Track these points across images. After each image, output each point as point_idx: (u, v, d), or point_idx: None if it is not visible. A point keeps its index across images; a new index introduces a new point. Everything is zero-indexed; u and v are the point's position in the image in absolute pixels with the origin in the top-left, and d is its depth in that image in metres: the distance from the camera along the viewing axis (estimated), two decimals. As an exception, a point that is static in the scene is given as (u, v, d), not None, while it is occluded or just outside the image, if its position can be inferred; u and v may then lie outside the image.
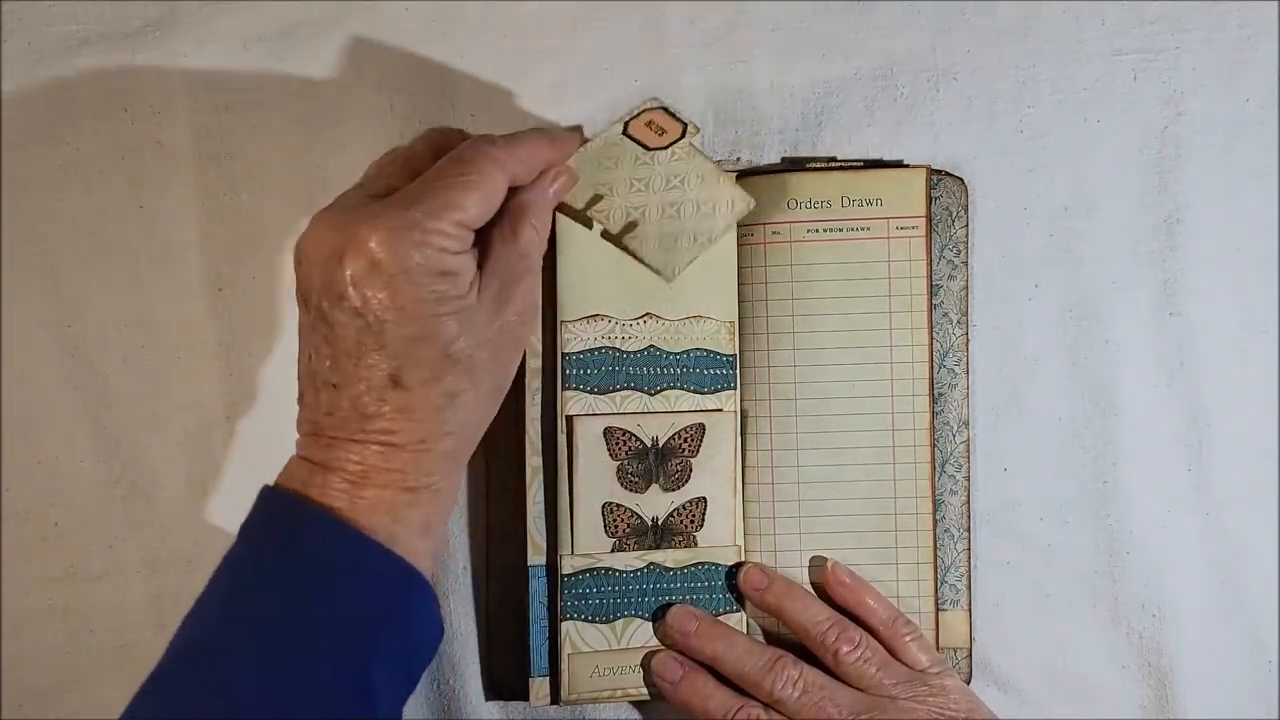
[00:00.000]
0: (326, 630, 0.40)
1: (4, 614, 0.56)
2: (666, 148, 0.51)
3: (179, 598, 0.56)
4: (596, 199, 0.51)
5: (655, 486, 0.54)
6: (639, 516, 0.54)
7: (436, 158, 0.45)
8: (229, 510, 0.56)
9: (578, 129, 0.52)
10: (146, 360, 0.56)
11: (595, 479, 0.53)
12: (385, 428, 0.42)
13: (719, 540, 0.54)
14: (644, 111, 0.51)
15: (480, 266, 0.44)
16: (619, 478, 0.53)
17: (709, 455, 0.54)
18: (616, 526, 0.54)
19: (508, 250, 0.45)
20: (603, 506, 0.53)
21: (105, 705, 0.56)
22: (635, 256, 0.52)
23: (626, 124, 0.51)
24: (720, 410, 0.54)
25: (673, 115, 0.51)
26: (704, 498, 0.54)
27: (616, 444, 0.53)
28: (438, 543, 0.44)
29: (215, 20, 0.56)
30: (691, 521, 0.54)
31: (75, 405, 0.56)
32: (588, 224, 0.51)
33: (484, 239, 0.45)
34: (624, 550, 0.54)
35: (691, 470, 0.54)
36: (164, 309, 0.56)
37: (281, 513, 0.43)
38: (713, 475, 0.54)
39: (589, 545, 0.54)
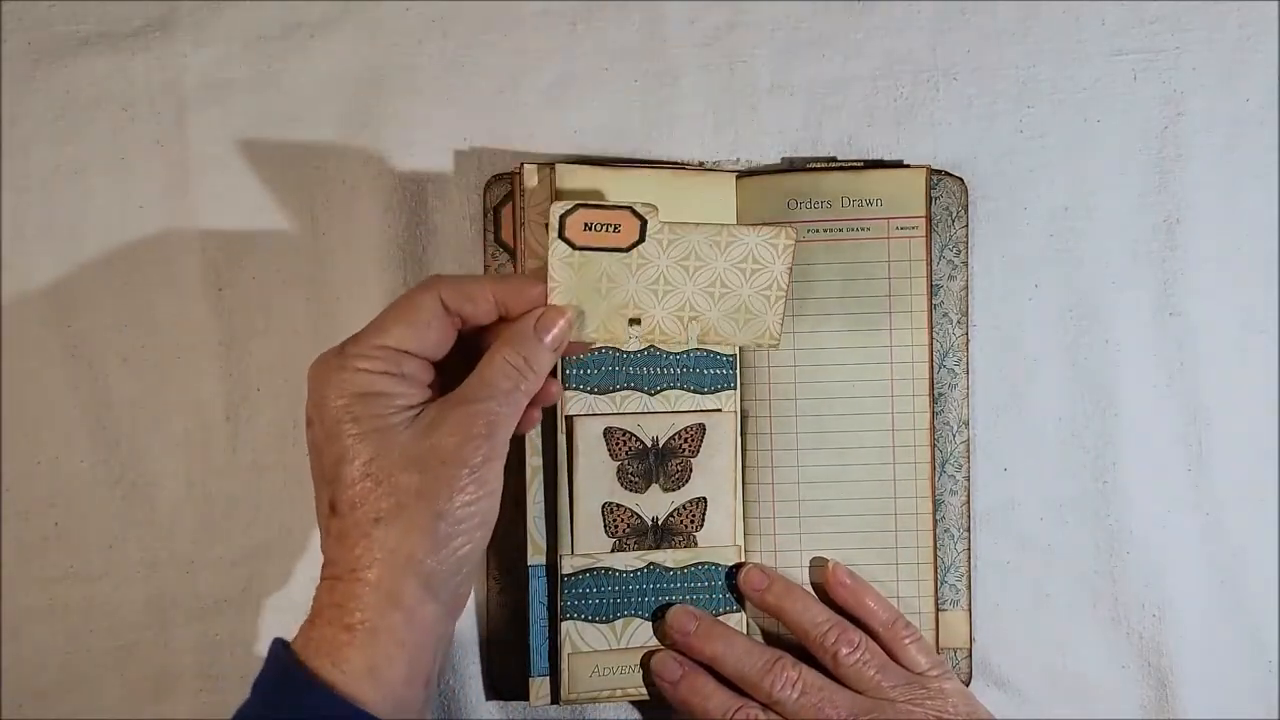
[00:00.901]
0: None
1: (4, 614, 0.56)
2: (643, 239, 0.46)
3: (179, 598, 0.56)
4: (635, 322, 0.47)
5: (655, 486, 0.54)
6: (639, 516, 0.54)
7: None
8: (229, 510, 0.56)
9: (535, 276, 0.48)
10: (146, 360, 0.56)
11: (595, 479, 0.53)
12: (329, 558, 0.43)
13: (719, 540, 0.54)
14: (563, 218, 0.46)
15: (431, 399, 0.44)
16: (619, 478, 0.53)
17: (709, 455, 0.54)
18: (617, 526, 0.54)
19: (473, 376, 0.44)
20: (603, 506, 0.53)
21: (105, 705, 0.56)
22: (728, 346, 0.53)
23: (562, 237, 0.46)
24: (720, 410, 0.54)
25: (596, 206, 0.46)
26: (704, 498, 0.54)
27: (616, 444, 0.53)
28: (404, 696, 0.42)
29: (215, 20, 0.56)
30: (691, 521, 0.54)
31: (75, 405, 0.56)
32: (670, 346, 0.52)
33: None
34: (624, 550, 0.54)
35: (692, 470, 0.54)
36: (164, 309, 0.56)
37: (273, 660, 0.43)
38: (713, 475, 0.54)
39: (589, 545, 0.54)
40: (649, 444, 0.54)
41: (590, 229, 0.46)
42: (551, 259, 0.46)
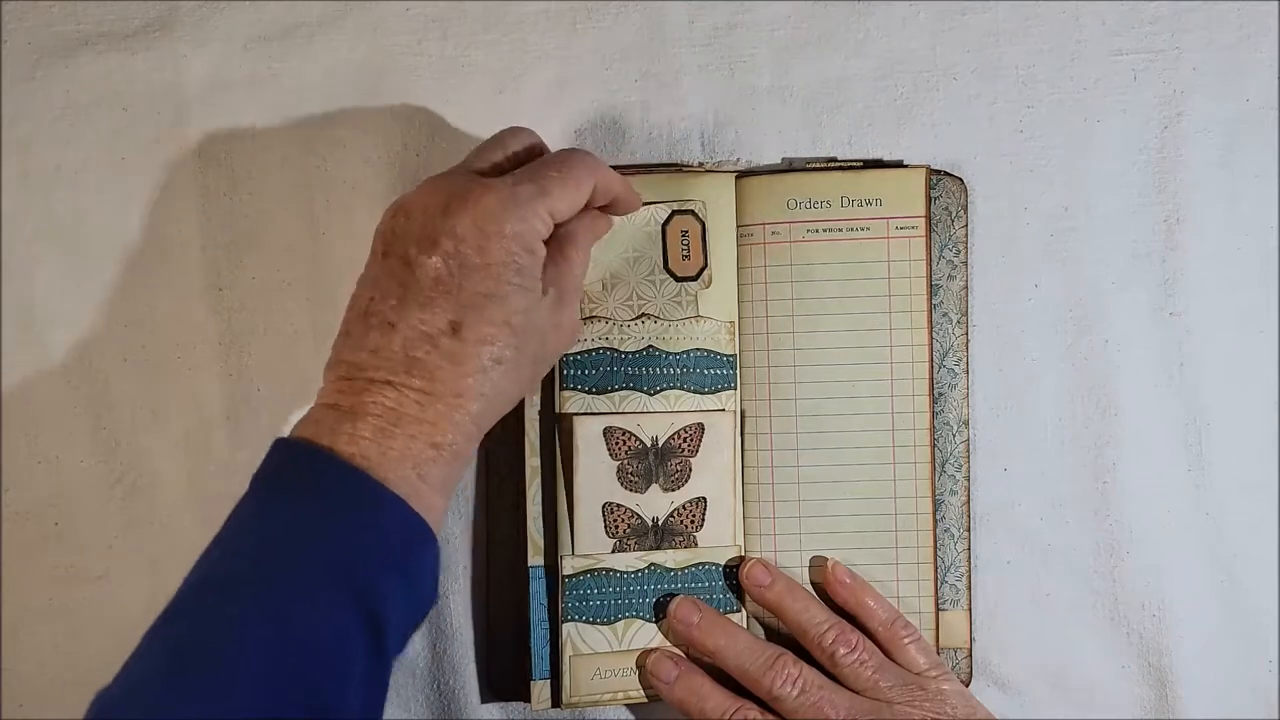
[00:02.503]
0: (336, 569, 0.41)
1: (4, 614, 0.56)
2: (694, 278, 0.54)
3: (179, 598, 0.56)
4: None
5: (655, 486, 0.54)
6: (639, 516, 0.54)
7: (529, 149, 0.49)
8: (229, 510, 0.56)
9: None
10: (146, 360, 0.56)
11: (595, 479, 0.53)
12: (429, 373, 0.43)
13: (719, 540, 0.54)
14: (677, 215, 0.54)
15: (546, 270, 0.47)
16: (619, 478, 0.53)
17: (709, 455, 0.54)
18: (617, 527, 0.54)
19: (558, 268, 0.47)
20: (603, 507, 0.53)
21: (105, 705, 0.56)
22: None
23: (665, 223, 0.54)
24: (721, 410, 0.54)
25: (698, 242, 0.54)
26: (704, 497, 0.54)
27: (616, 444, 0.53)
28: (447, 503, 0.45)
29: (215, 20, 0.56)
30: (691, 521, 0.54)
31: (75, 405, 0.56)
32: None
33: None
34: (624, 551, 0.54)
35: (691, 470, 0.54)
36: (164, 309, 0.56)
37: (300, 460, 0.43)
38: (712, 475, 0.54)
39: (589, 546, 0.54)
40: (648, 443, 0.54)
41: (682, 238, 0.54)
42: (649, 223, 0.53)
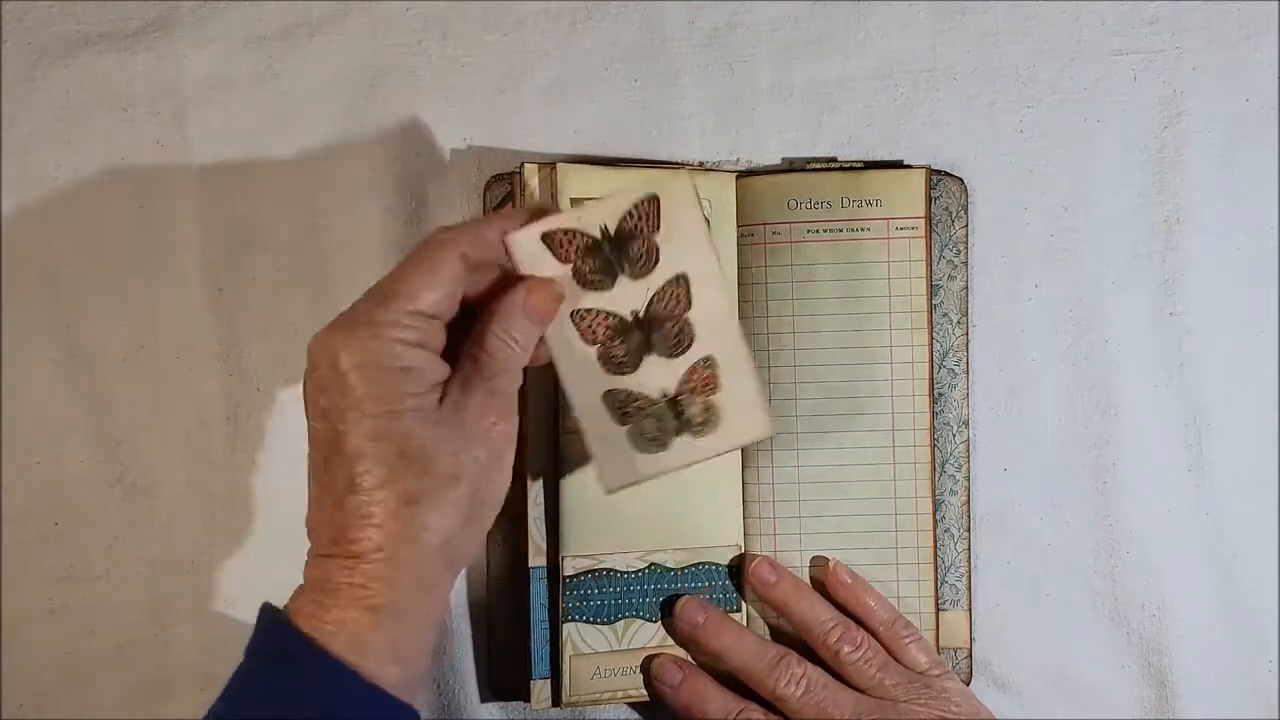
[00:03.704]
0: None
1: (4, 614, 0.56)
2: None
3: (179, 598, 0.56)
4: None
5: (623, 278, 0.47)
6: (616, 315, 0.47)
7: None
8: (229, 510, 0.56)
9: (544, 205, 0.49)
10: (146, 360, 0.56)
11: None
12: (346, 535, 0.41)
13: (711, 314, 0.48)
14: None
15: (452, 375, 0.43)
16: (579, 280, 0.46)
17: (673, 226, 0.47)
18: (595, 332, 0.47)
19: (476, 358, 0.44)
20: (572, 314, 0.47)
21: (105, 705, 0.56)
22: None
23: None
24: (678, 167, 0.49)
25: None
26: (683, 274, 0.47)
27: (558, 245, 0.46)
28: (419, 671, 0.42)
29: (215, 20, 0.56)
30: (677, 303, 0.48)
31: (75, 405, 0.56)
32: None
33: (457, 352, 0.44)
34: (615, 357, 0.47)
35: (658, 249, 0.47)
36: (164, 309, 0.56)
37: (270, 633, 0.42)
38: (685, 247, 0.47)
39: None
40: (598, 234, 0.46)
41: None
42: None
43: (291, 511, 0.56)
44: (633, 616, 0.54)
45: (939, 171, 0.56)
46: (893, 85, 0.57)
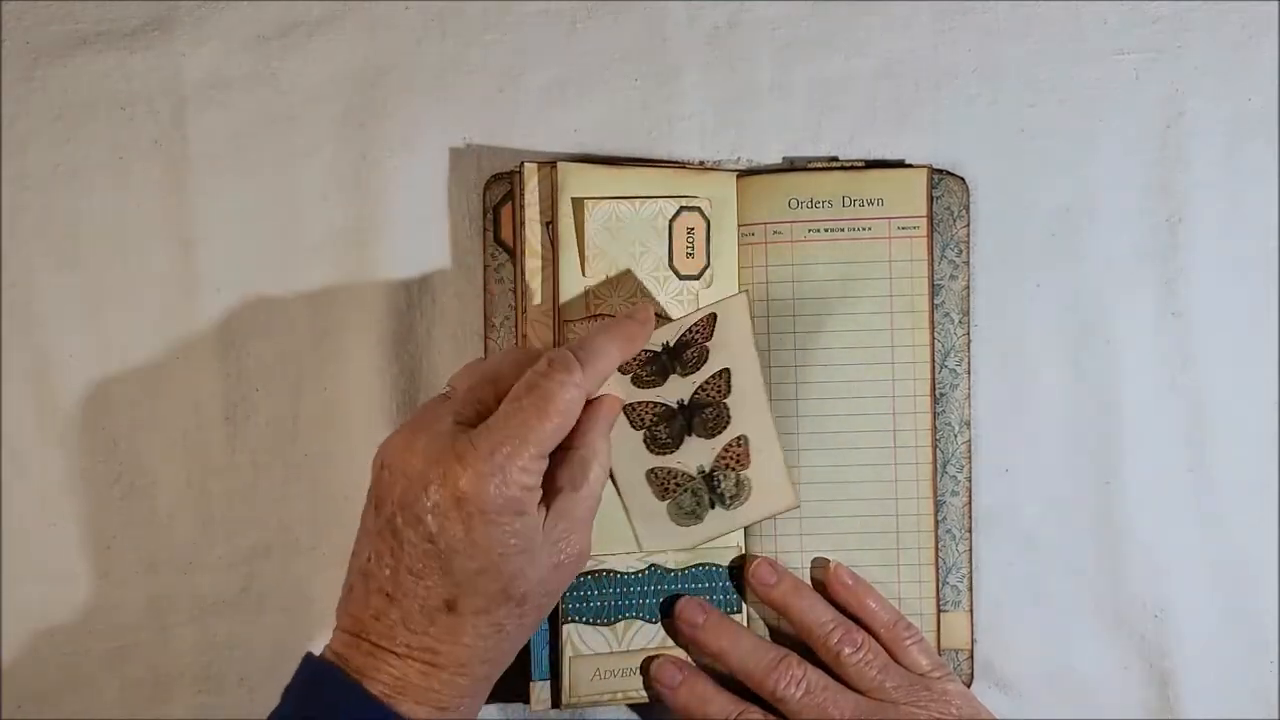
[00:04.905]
0: None
1: (4, 614, 0.56)
2: (696, 277, 0.53)
3: (178, 598, 0.56)
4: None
5: (673, 377, 0.52)
6: (663, 404, 0.52)
7: (520, 373, 0.45)
8: (229, 510, 0.56)
9: (645, 309, 0.50)
10: (146, 361, 0.56)
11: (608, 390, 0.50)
12: (429, 646, 0.43)
13: (748, 404, 0.52)
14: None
15: (547, 505, 0.45)
16: (635, 383, 0.52)
17: (724, 334, 0.52)
18: (643, 419, 0.52)
19: (577, 495, 0.45)
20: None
21: (104, 706, 0.56)
22: None
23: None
24: (734, 295, 0.52)
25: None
26: (726, 369, 0.52)
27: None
28: None
29: (214, 19, 0.56)
30: (719, 391, 0.52)
31: (75, 405, 0.56)
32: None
33: (550, 481, 0.45)
34: (657, 439, 0.52)
35: (708, 352, 0.52)
36: (163, 309, 0.56)
37: (330, 692, 0.44)
38: (730, 350, 0.52)
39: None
40: (659, 350, 0.52)
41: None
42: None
43: (290, 511, 0.56)
44: (632, 618, 0.54)
45: (940, 171, 0.55)
46: (894, 84, 0.57)
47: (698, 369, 0.52)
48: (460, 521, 0.42)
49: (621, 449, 0.51)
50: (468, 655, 0.44)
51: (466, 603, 0.43)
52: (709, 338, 0.52)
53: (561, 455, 0.45)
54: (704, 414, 0.52)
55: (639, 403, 0.52)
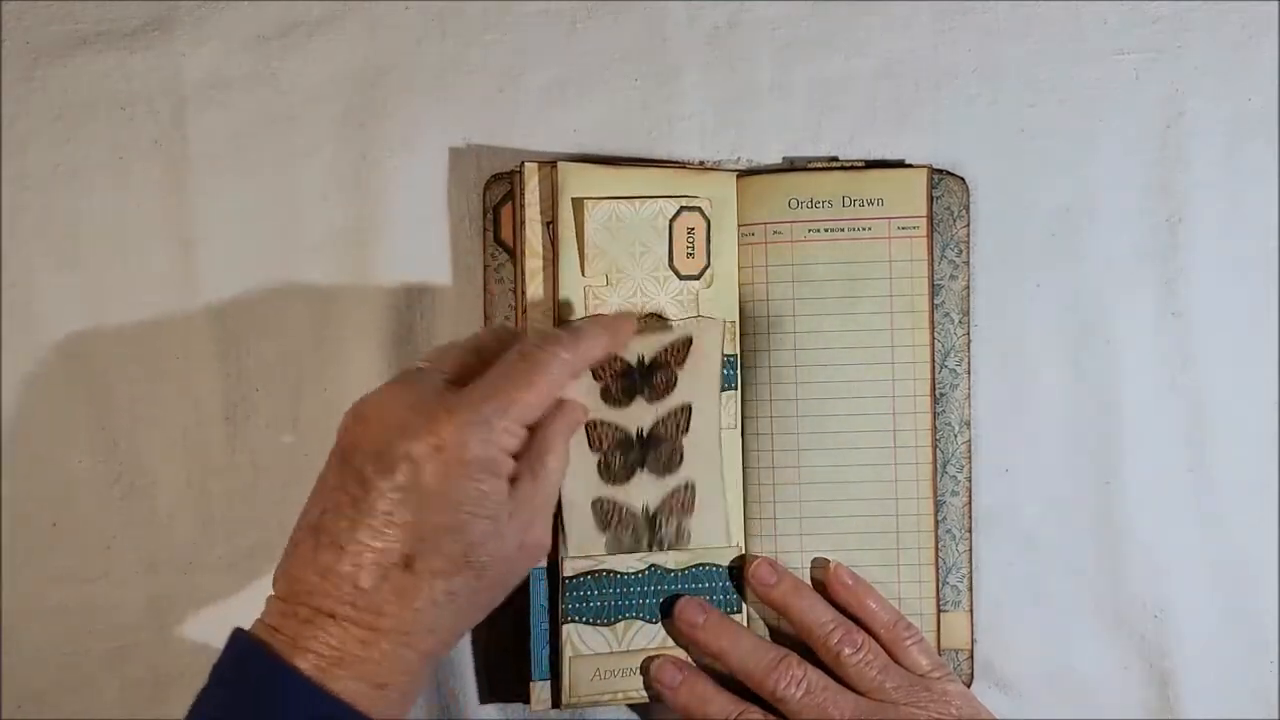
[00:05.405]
0: None
1: (4, 614, 0.56)
2: (696, 277, 0.54)
3: (178, 598, 0.56)
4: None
5: (639, 399, 0.53)
6: (623, 430, 0.53)
7: (503, 348, 0.46)
8: (229, 510, 0.56)
9: (629, 315, 0.52)
10: (146, 360, 0.56)
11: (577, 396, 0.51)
12: (376, 607, 0.41)
13: (702, 442, 0.53)
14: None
15: (510, 490, 0.44)
16: (603, 396, 0.52)
17: (695, 363, 0.53)
18: (601, 441, 0.52)
19: (533, 483, 0.45)
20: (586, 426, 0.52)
21: (104, 706, 0.56)
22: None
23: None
24: (712, 319, 0.53)
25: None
26: (689, 404, 0.53)
27: (602, 365, 0.52)
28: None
29: (214, 19, 0.56)
30: (677, 428, 0.53)
31: (75, 405, 0.56)
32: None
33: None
34: (610, 465, 0.53)
35: (677, 380, 0.53)
36: (163, 309, 0.56)
37: (256, 670, 0.42)
38: (697, 382, 0.53)
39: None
40: (634, 363, 0.52)
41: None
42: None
43: (290, 512, 0.56)
44: (632, 618, 0.54)
45: (940, 171, 0.55)
46: (894, 84, 0.56)
47: (663, 397, 0.53)
48: (437, 470, 0.41)
49: (575, 468, 0.51)
50: (414, 621, 0.42)
51: (425, 562, 0.41)
52: (681, 363, 0.53)
53: (522, 448, 0.45)
54: (659, 450, 0.53)
55: (601, 422, 0.52)
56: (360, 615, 0.41)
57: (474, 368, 0.45)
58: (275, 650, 0.41)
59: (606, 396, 0.52)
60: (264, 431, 0.56)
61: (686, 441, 0.53)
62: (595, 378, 0.52)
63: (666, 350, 0.53)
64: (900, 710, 0.51)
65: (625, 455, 0.53)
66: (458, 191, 0.56)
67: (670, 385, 0.53)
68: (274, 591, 0.44)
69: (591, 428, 0.52)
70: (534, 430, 0.45)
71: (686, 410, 0.53)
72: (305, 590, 0.42)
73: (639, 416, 0.53)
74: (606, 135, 0.56)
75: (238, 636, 0.43)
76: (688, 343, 0.53)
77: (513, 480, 0.44)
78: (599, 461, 0.53)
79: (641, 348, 0.52)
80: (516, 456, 0.45)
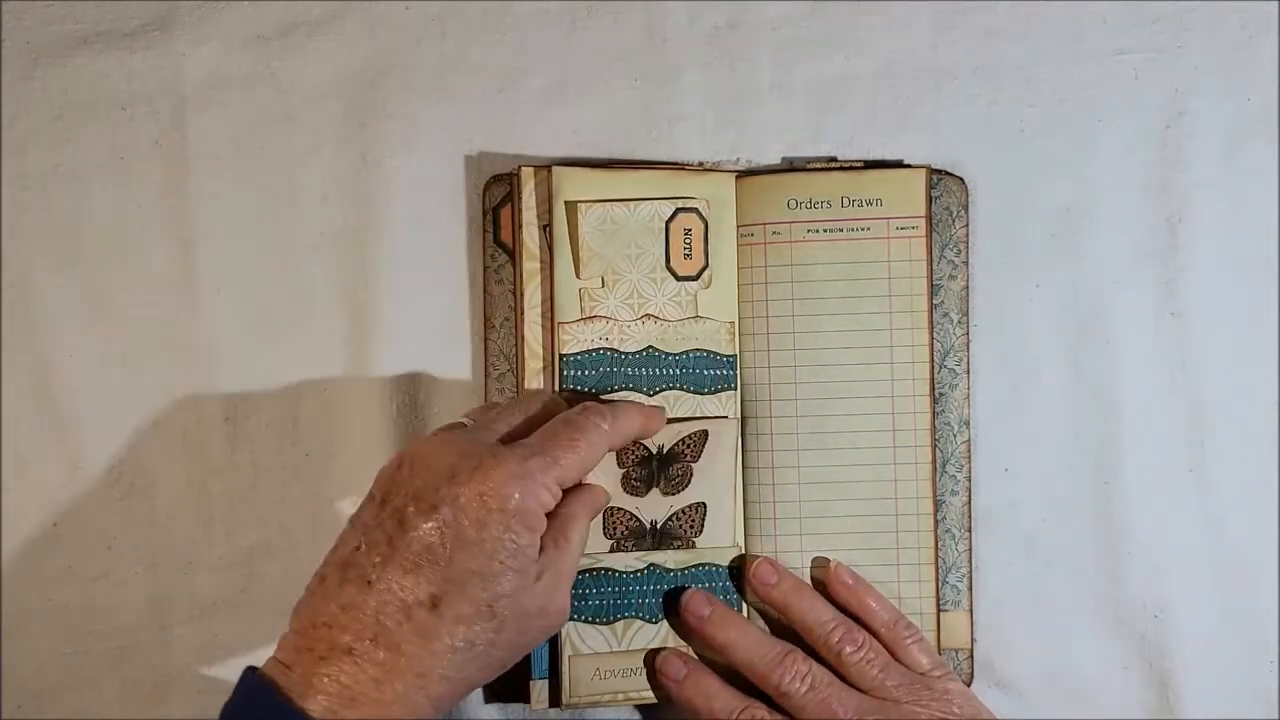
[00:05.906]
0: None
1: (4, 614, 0.56)
2: (695, 278, 0.54)
3: (178, 598, 0.56)
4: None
5: (655, 491, 0.53)
6: (638, 519, 0.54)
7: (546, 413, 0.48)
8: (229, 510, 0.56)
9: (660, 409, 0.53)
10: (146, 360, 0.56)
11: (600, 482, 0.53)
12: (395, 645, 0.42)
13: (717, 543, 0.54)
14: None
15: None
16: (623, 483, 0.53)
17: (710, 460, 0.54)
18: (615, 529, 0.53)
19: (558, 550, 0.46)
20: (604, 511, 0.53)
21: (104, 706, 0.56)
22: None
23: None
24: (724, 417, 0.54)
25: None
26: (703, 503, 0.54)
27: (623, 450, 0.53)
28: None
29: (214, 20, 0.56)
30: (691, 526, 0.54)
31: (75, 405, 0.56)
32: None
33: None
34: (622, 551, 0.54)
35: (692, 475, 0.54)
36: (164, 308, 0.56)
37: (266, 712, 0.42)
38: (713, 480, 0.54)
39: (587, 546, 0.53)
40: (653, 450, 0.53)
41: None
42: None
43: (290, 512, 0.56)
44: (632, 617, 0.54)
45: (939, 171, 0.55)
46: (893, 84, 0.56)
47: (678, 492, 0.53)
48: (479, 517, 0.43)
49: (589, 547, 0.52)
50: (431, 664, 0.42)
51: (450, 606, 0.42)
52: (696, 458, 0.53)
53: (547, 521, 0.46)
54: (673, 544, 0.54)
55: (618, 509, 0.53)
56: (378, 652, 0.42)
57: (519, 432, 0.47)
58: (286, 692, 0.41)
59: (626, 485, 0.53)
60: (264, 431, 0.56)
61: (699, 542, 0.54)
62: (619, 464, 0.53)
63: (684, 442, 0.53)
64: (902, 708, 0.51)
65: (638, 544, 0.54)
66: (457, 192, 0.56)
67: (685, 481, 0.54)
68: (291, 626, 0.44)
69: (608, 514, 0.53)
70: (559, 506, 0.47)
71: (701, 510, 0.54)
72: (324, 623, 0.42)
73: (654, 509, 0.54)
74: (606, 135, 0.56)
75: (248, 676, 0.43)
76: (703, 436, 0.53)
77: (541, 551, 0.45)
78: (611, 547, 0.54)
79: (660, 437, 0.53)
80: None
